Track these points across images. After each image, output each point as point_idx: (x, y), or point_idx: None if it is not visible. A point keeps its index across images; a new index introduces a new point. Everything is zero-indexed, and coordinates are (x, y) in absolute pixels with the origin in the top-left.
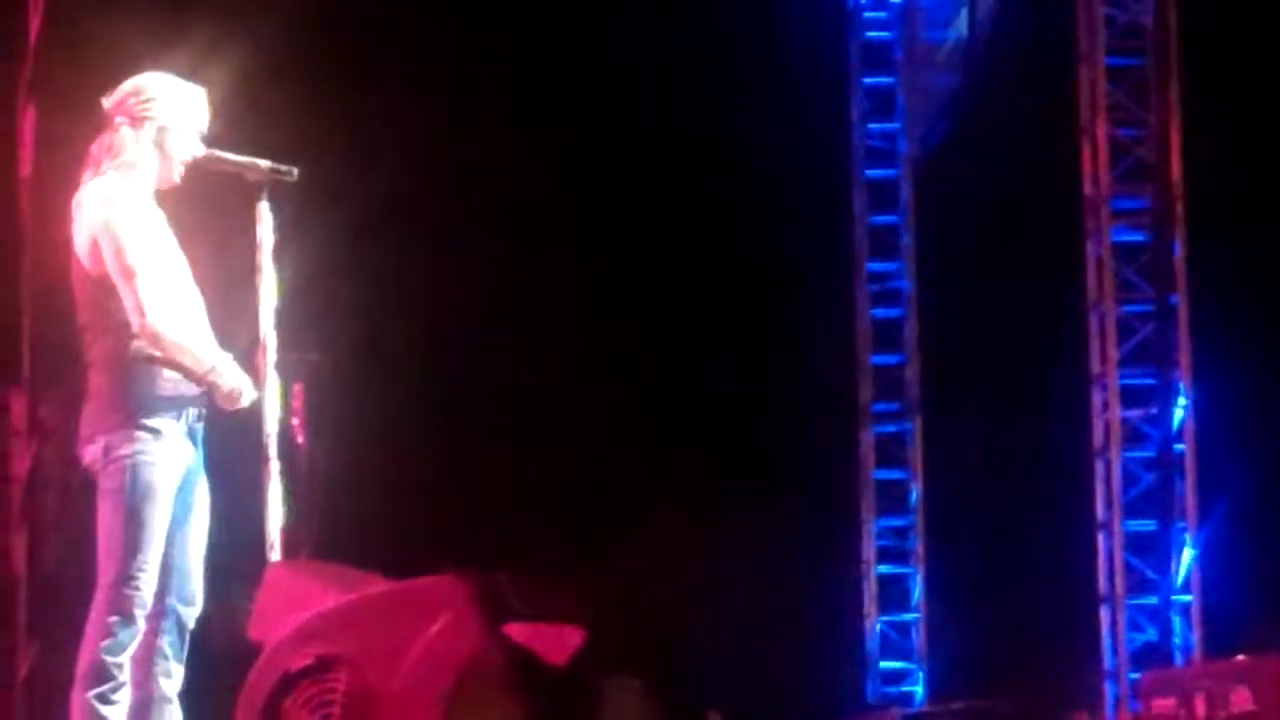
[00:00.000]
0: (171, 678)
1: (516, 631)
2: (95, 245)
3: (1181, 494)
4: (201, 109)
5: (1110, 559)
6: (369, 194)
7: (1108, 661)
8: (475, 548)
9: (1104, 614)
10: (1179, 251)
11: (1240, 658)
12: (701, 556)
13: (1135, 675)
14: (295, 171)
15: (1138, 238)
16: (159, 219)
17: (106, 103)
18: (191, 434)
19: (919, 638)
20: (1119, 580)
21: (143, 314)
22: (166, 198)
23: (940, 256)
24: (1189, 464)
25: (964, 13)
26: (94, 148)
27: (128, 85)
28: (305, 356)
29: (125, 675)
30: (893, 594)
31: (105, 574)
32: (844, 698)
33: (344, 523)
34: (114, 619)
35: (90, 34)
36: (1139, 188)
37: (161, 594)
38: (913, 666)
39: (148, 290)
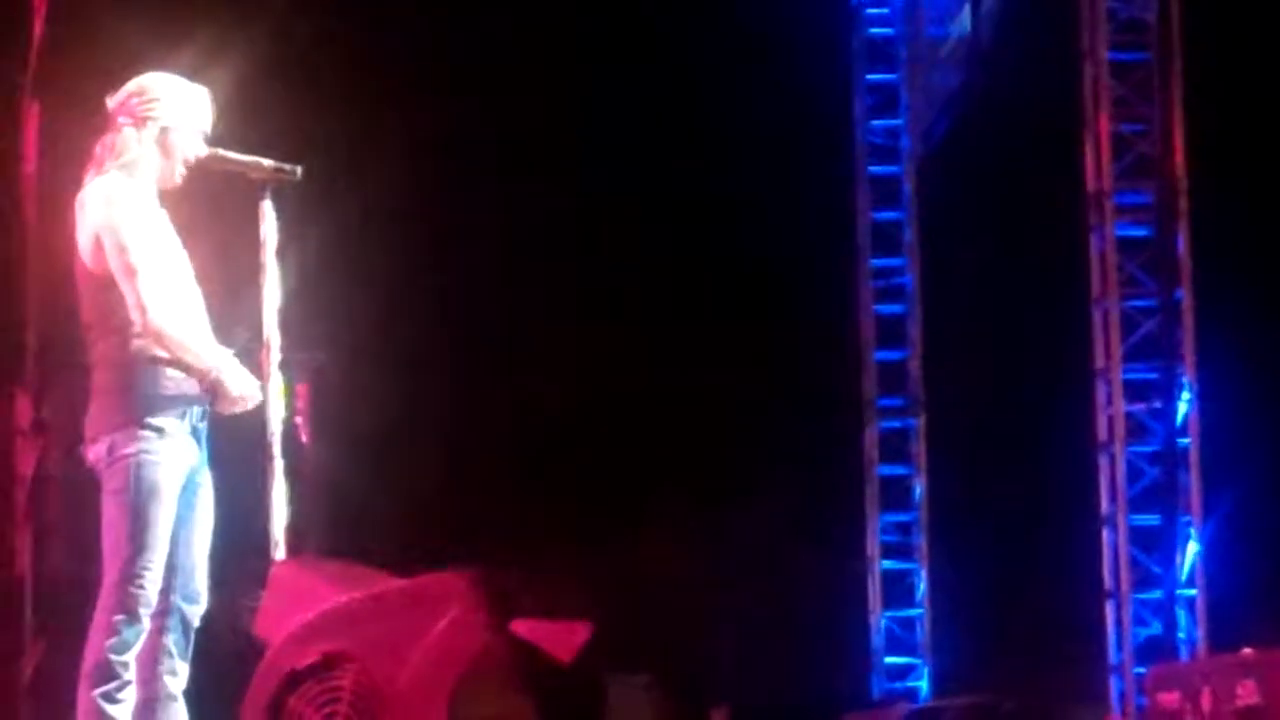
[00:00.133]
0: (176, 676)
1: (522, 627)
2: (98, 244)
3: (1186, 488)
4: (205, 109)
5: (1115, 553)
6: (372, 193)
7: (1113, 656)
8: (479, 544)
9: (1109, 608)
10: (1182, 246)
11: (1246, 651)
12: (706, 552)
13: (1140, 669)
14: (298, 170)
15: (1141, 232)
16: (162, 218)
17: (110, 103)
18: (195, 433)
19: (923, 633)
20: (1124, 575)
21: (144, 312)
22: (170, 197)
23: (943, 252)
24: (1193, 458)
25: (966, 9)
26: (97, 148)
27: (131, 85)
28: (311, 355)
29: (130, 674)
30: (897, 589)
31: (110, 573)
32: (849, 693)
33: (347, 520)
34: (119, 617)
35: (93, 31)
36: (1142, 182)
37: (166, 592)
38: (917, 662)
39: (149, 289)
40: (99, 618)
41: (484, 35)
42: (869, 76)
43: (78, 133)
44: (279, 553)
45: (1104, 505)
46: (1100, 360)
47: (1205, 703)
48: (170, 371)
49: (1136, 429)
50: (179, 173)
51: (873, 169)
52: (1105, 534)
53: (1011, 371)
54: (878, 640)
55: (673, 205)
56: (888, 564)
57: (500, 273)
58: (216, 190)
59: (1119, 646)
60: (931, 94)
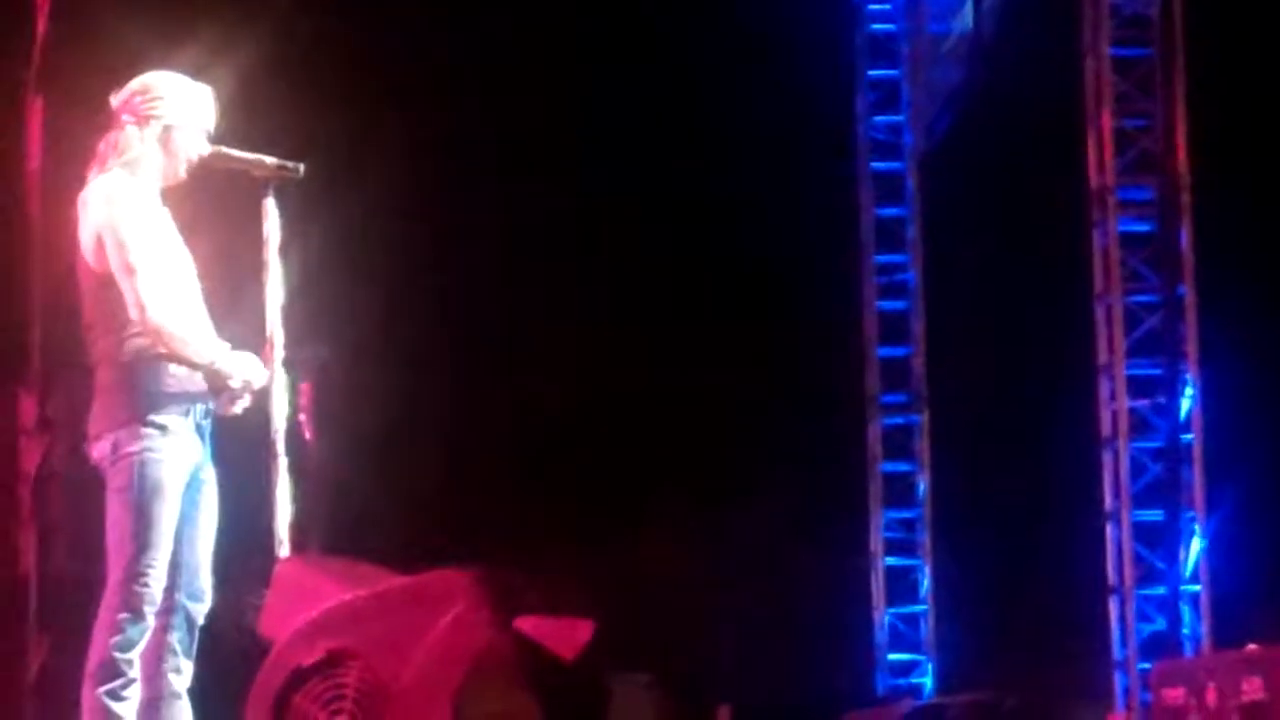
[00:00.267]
0: (181, 674)
1: (526, 625)
2: (99, 243)
3: (1189, 484)
4: (208, 107)
5: (1119, 549)
6: (373, 191)
7: (1117, 652)
8: (482, 543)
9: (1112, 604)
10: (1185, 241)
11: (1251, 647)
12: (708, 551)
13: (1144, 665)
14: (301, 168)
15: (1144, 228)
16: (164, 216)
17: (114, 101)
18: (199, 430)
19: (927, 630)
20: (1127, 571)
21: (143, 310)
22: (172, 195)
23: (946, 248)
24: (1197, 454)
25: (969, 5)
26: (101, 145)
27: (135, 84)
28: (315, 352)
29: (135, 672)
30: (901, 586)
31: (114, 571)
32: (852, 690)
33: (351, 518)
34: (124, 616)
35: (97, 29)
36: (1145, 178)
37: (170, 590)
38: (921, 658)
39: (149, 286)
40: (103, 616)
41: (484, 35)
42: (871, 73)
43: (81, 130)
44: (283, 550)
45: (1107, 501)
46: (1103, 356)
47: (1210, 699)
48: (173, 368)
49: (1140, 424)
50: (182, 171)
51: (875, 165)
52: (1109, 530)
53: (1014, 367)
54: (881, 637)
55: (673, 204)
56: (891, 560)
57: (500, 272)
58: (219, 188)
59: (1123, 642)
60: (934, 90)
